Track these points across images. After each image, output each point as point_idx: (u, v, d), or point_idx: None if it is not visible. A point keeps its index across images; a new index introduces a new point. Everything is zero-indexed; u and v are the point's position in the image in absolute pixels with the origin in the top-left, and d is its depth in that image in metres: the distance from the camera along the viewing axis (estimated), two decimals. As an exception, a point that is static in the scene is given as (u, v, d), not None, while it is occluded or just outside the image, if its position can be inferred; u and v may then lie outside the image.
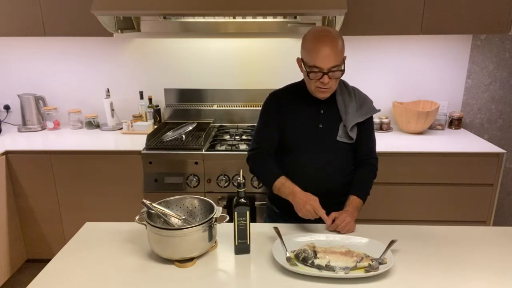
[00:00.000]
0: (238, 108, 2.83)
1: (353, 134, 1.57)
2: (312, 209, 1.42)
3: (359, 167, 1.65)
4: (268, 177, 1.56)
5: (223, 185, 2.36)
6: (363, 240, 1.35)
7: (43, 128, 2.82)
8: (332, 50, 1.40)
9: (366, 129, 1.62)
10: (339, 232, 1.44)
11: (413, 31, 2.38)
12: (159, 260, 1.28)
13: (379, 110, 1.64)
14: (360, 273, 1.19)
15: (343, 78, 1.58)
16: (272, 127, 1.61)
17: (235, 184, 2.33)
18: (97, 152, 2.36)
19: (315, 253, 1.24)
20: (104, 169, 2.38)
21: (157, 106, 2.85)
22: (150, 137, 2.43)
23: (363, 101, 1.61)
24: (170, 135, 2.48)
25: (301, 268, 1.21)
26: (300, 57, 1.51)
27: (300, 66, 1.52)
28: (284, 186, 1.51)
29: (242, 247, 1.31)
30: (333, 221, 1.46)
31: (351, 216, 1.48)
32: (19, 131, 2.77)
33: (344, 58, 1.47)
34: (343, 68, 1.46)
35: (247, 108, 2.83)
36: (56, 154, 2.38)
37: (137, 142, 2.47)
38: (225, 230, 1.42)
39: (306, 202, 1.43)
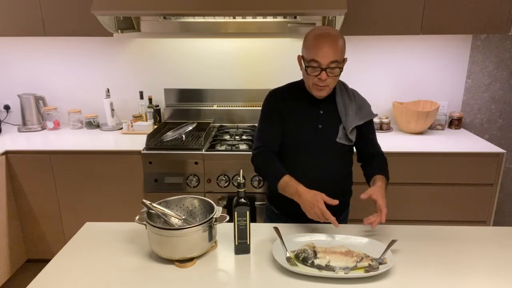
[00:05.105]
0: (238, 108, 2.83)
1: (353, 137, 1.57)
2: (320, 213, 1.35)
3: (371, 160, 1.64)
4: (273, 176, 1.52)
5: (223, 185, 2.36)
6: (363, 240, 1.35)
7: (43, 128, 2.82)
8: (332, 47, 1.40)
9: (368, 130, 1.63)
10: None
11: (413, 31, 2.38)
12: (159, 260, 1.28)
13: (376, 115, 1.64)
14: (360, 273, 1.19)
15: (343, 79, 1.58)
16: (274, 124, 1.59)
17: (235, 184, 2.33)
18: (97, 152, 2.36)
19: (315, 253, 1.24)
20: (104, 169, 2.38)
21: (157, 106, 2.85)
22: (150, 137, 2.43)
23: (362, 104, 1.61)
24: (170, 135, 2.48)
25: (301, 268, 1.21)
26: (301, 54, 1.51)
27: (300, 64, 1.52)
28: (288, 185, 1.46)
29: (242, 247, 1.31)
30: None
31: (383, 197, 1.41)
32: (19, 131, 2.77)
33: (345, 60, 1.47)
34: (342, 67, 1.45)
35: (247, 108, 2.83)
36: (56, 154, 2.38)
37: (137, 142, 2.47)
38: (225, 230, 1.42)
39: (314, 205, 1.36)
